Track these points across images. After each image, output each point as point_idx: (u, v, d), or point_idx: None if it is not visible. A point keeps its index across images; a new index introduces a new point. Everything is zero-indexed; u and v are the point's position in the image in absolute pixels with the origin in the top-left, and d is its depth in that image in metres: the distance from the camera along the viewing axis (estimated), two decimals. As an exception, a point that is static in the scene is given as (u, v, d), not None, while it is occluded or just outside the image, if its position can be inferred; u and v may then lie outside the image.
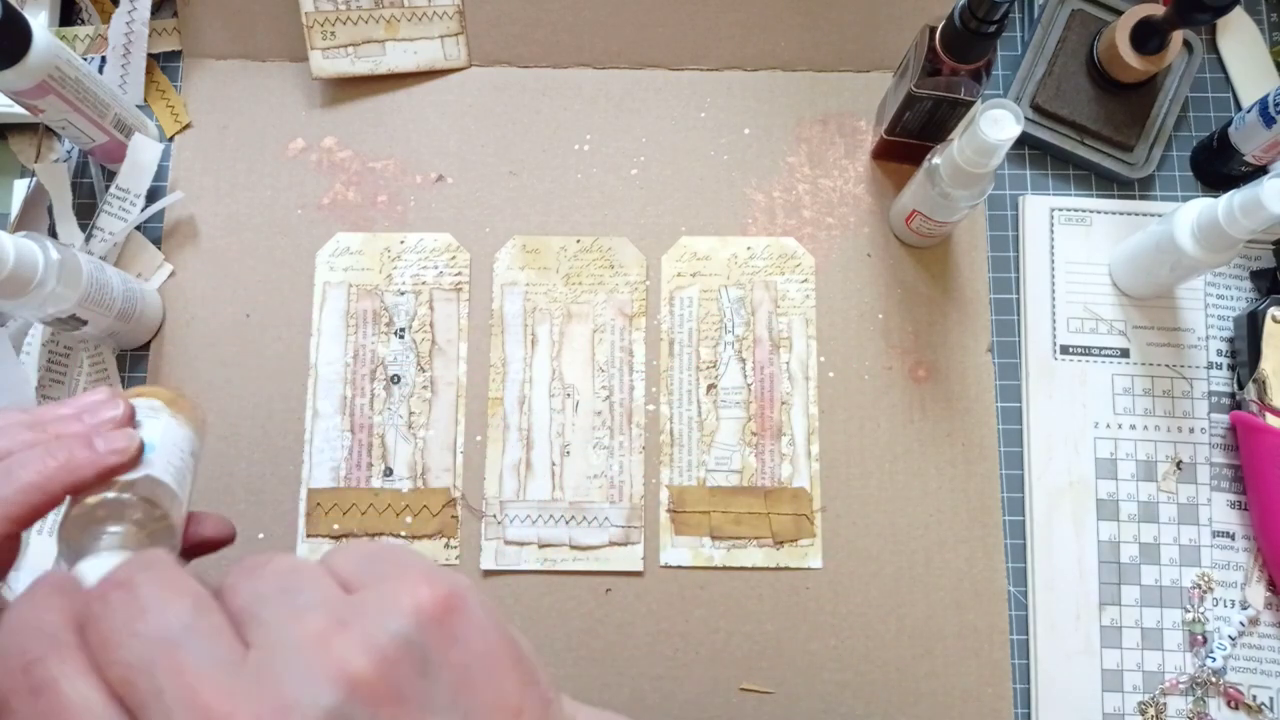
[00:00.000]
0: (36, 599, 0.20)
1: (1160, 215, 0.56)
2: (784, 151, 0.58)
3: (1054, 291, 0.56)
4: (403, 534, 0.54)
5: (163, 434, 0.32)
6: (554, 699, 0.22)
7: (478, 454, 0.55)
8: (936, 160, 0.49)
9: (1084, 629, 0.52)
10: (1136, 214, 0.57)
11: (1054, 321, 0.56)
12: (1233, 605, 0.53)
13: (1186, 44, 0.58)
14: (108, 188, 0.56)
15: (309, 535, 0.54)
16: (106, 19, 0.59)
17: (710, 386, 0.55)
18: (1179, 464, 0.54)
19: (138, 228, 0.57)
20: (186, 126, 0.59)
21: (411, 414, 0.55)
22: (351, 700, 0.17)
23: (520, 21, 0.59)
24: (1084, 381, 0.55)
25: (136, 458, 0.31)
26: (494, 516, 0.54)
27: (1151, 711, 0.51)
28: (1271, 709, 0.51)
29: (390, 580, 0.20)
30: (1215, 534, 0.54)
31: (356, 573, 0.21)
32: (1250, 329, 0.53)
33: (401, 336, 0.56)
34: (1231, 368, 0.55)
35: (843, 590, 0.53)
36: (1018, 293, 0.57)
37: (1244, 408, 0.53)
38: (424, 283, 0.57)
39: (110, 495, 0.29)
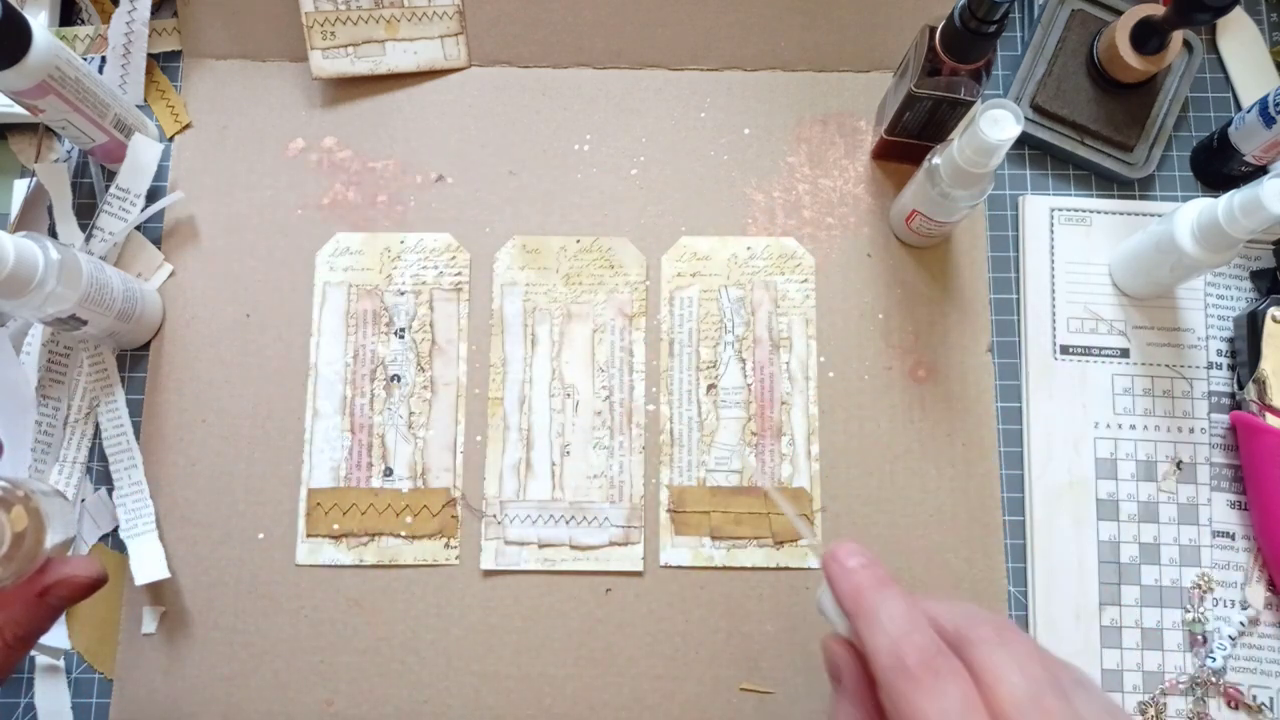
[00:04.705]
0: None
1: (1160, 215, 0.56)
2: (784, 151, 0.58)
3: (1054, 291, 0.56)
4: (403, 534, 0.54)
5: None
6: None
7: (478, 454, 0.55)
8: (936, 160, 0.49)
9: (1084, 629, 0.52)
10: (1136, 214, 0.57)
11: (1054, 321, 0.56)
12: (1233, 605, 0.53)
13: (1186, 44, 0.58)
14: (108, 188, 0.56)
15: (309, 535, 0.54)
16: (106, 19, 0.59)
17: (710, 386, 0.55)
18: (1179, 464, 0.54)
19: (138, 228, 0.57)
20: (186, 126, 0.59)
21: (411, 414, 0.55)
22: None
23: (520, 21, 0.59)
24: (1084, 381, 0.55)
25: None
26: (494, 516, 0.54)
27: (1151, 711, 0.51)
28: (1271, 709, 0.51)
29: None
30: (1215, 534, 0.54)
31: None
32: (1250, 329, 0.53)
33: (401, 336, 0.56)
34: (1231, 368, 0.55)
35: (843, 590, 0.53)
36: (1018, 293, 0.57)
37: (1244, 408, 0.53)
38: (424, 283, 0.57)
39: None
